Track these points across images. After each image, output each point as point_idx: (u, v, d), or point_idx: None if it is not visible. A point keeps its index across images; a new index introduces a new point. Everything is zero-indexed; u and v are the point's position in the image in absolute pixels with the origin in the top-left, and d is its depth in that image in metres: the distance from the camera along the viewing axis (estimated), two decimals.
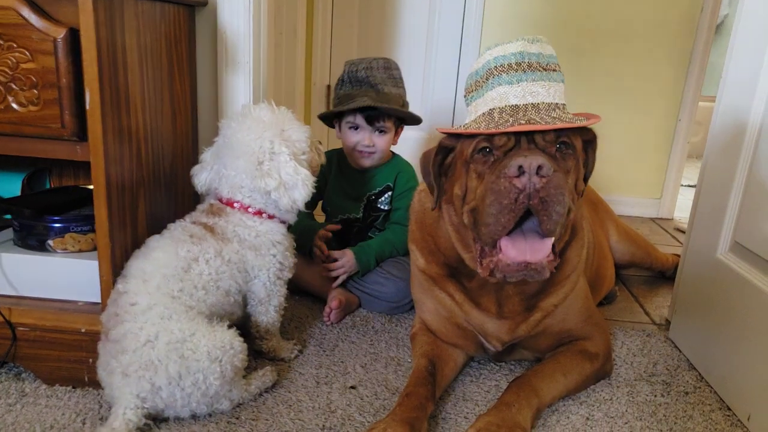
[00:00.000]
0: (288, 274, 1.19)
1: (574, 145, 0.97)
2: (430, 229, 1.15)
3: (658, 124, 2.64)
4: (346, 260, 1.46)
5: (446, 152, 1.04)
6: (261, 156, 1.09)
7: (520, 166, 0.85)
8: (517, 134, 0.92)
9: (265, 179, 1.08)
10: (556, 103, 0.95)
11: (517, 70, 0.93)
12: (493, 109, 0.93)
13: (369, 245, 1.51)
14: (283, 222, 1.18)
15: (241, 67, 1.34)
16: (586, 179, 1.07)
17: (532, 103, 0.92)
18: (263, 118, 1.12)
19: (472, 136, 0.96)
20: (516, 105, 0.92)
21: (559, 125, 0.89)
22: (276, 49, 1.72)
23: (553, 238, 0.92)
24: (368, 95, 1.45)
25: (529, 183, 0.85)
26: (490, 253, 0.95)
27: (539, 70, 0.94)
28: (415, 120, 1.56)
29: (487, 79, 0.95)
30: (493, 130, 0.90)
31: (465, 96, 1.04)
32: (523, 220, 0.91)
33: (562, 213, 0.88)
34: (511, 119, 0.90)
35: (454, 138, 1.03)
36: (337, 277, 1.47)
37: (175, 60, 1.23)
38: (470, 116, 1.00)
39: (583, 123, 0.92)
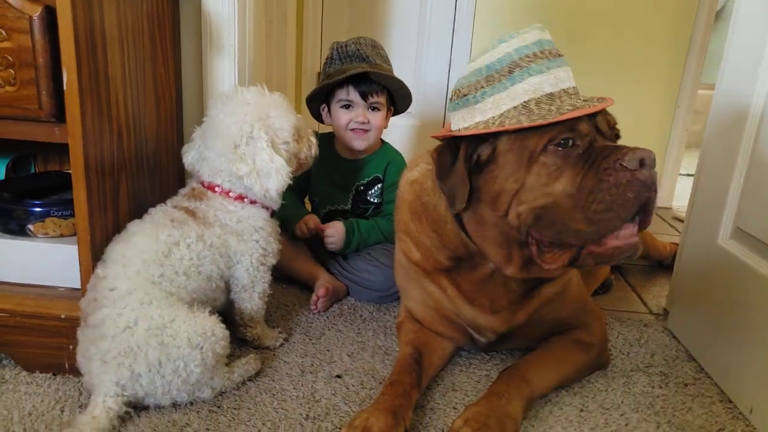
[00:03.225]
0: (272, 260, 1.17)
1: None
2: (433, 226, 1.09)
3: (656, 111, 2.60)
4: (336, 232, 1.45)
5: (477, 143, 0.96)
6: (238, 139, 1.06)
7: (642, 159, 0.82)
8: (591, 124, 0.90)
9: (237, 164, 1.05)
10: (575, 87, 0.94)
11: (542, 59, 0.91)
12: (529, 101, 0.89)
13: (358, 225, 1.49)
14: (266, 208, 1.15)
15: (225, 50, 1.31)
16: None
17: (563, 89, 0.90)
18: (249, 101, 1.09)
19: (534, 127, 0.89)
20: (551, 93, 0.89)
21: (602, 105, 0.88)
22: (266, 37, 1.69)
23: None
24: (361, 66, 1.42)
25: (650, 176, 0.83)
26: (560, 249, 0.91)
27: (557, 56, 0.92)
28: (406, 97, 1.53)
29: (510, 72, 0.91)
30: (552, 120, 0.86)
31: (467, 93, 0.96)
32: None
33: None
34: (553, 108, 0.87)
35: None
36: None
37: (158, 41, 1.20)
38: (488, 112, 0.93)
39: (607, 103, 0.90)
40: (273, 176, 1.07)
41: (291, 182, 1.11)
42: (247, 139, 1.06)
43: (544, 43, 0.92)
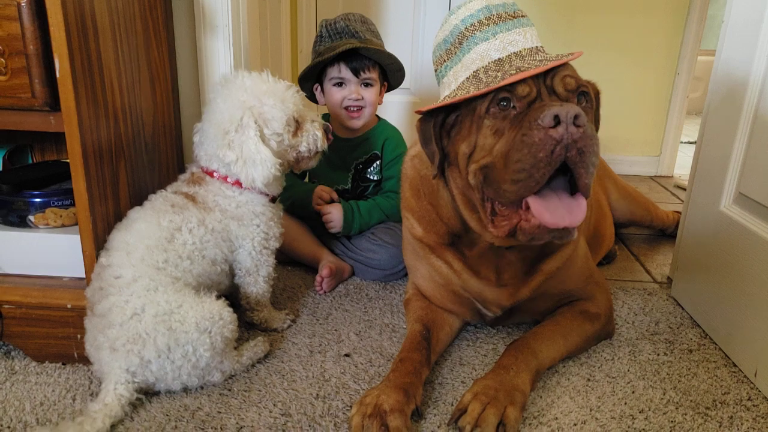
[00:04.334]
0: (275, 244, 1.16)
1: (591, 96, 0.93)
2: (429, 198, 1.11)
3: (656, 79, 2.57)
4: (334, 212, 1.45)
5: (447, 112, 0.98)
6: (228, 126, 1.04)
7: (557, 116, 0.78)
8: (537, 85, 0.87)
9: (225, 150, 1.03)
10: (536, 47, 0.93)
11: (488, 24, 0.91)
12: (477, 70, 0.90)
13: (358, 207, 1.48)
14: (264, 193, 1.13)
15: (219, 31, 1.29)
16: None
17: (514, 53, 0.90)
18: (246, 86, 1.07)
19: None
20: (499, 59, 0.89)
21: (549, 65, 0.85)
22: (260, 16, 1.66)
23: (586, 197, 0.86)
24: (351, 42, 1.40)
25: (567, 133, 0.78)
26: (509, 214, 0.89)
27: (509, 19, 0.92)
28: (399, 71, 1.51)
29: (460, 43, 0.93)
30: (483, 90, 0.86)
31: (437, 69, 1.00)
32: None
33: (596, 166, 0.83)
34: (499, 74, 0.87)
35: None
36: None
37: (150, 25, 1.18)
38: (451, 85, 0.96)
39: (569, 58, 0.88)
40: (258, 166, 1.05)
41: (279, 173, 1.09)
42: (237, 126, 1.04)
43: (493, 8, 0.92)
